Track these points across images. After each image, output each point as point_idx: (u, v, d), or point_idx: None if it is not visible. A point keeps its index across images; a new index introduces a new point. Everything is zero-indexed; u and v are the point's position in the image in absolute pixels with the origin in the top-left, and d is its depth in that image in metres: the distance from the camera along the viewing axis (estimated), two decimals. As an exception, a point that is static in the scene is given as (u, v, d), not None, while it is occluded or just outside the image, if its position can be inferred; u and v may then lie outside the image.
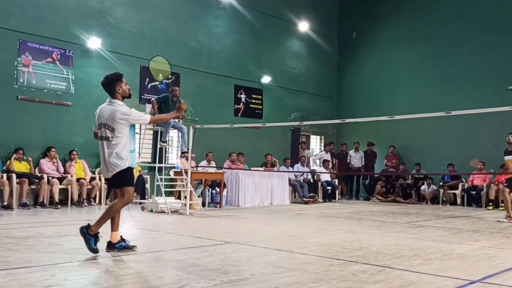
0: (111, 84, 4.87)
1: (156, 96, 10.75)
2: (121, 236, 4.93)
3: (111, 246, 4.85)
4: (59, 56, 10.92)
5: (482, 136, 14.05)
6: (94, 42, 11.39)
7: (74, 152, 10.72)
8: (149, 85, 12.49)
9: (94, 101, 11.81)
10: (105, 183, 10.32)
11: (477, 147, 13.98)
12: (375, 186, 14.82)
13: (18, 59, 10.35)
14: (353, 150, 15.45)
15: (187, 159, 10.01)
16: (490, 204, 12.28)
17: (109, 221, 4.83)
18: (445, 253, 5.24)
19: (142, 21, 12.49)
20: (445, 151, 14.68)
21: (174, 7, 13.16)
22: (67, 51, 11.06)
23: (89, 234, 4.61)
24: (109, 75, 4.95)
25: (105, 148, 4.79)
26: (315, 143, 17.45)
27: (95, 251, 4.60)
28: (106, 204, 10.78)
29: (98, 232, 4.69)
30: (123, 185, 4.81)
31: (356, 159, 15.36)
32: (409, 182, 14.45)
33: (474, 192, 13.04)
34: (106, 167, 4.85)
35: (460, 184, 13.46)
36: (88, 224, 4.68)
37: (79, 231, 4.67)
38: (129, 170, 4.88)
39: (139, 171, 11.15)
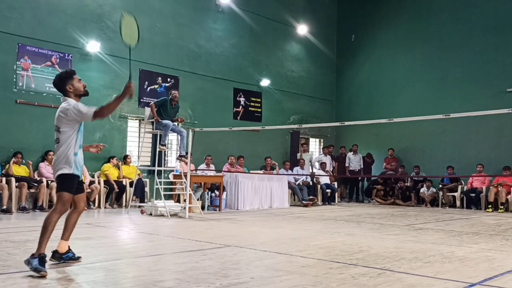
0: (61, 84, 4.44)
1: (155, 100, 10.76)
2: (68, 246, 4.48)
3: (56, 256, 4.40)
4: (58, 60, 10.93)
5: (481, 138, 14.08)
6: (93, 46, 11.40)
7: (73, 156, 10.69)
8: (148, 88, 12.50)
9: (93, 105, 11.82)
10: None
11: (476, 150, 14.01)
12: (373, 189, 14.84)
13: (17, 62, 10.36)
14: (352, 153, 15.44)
15: (186, 162, 10.01)
16: (490, 206, 12.27)
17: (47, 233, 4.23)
18: (445, 255, 5.24)
19: (141, 25, 12.35)
20: (444, 153, 14.70)
21: (173, 11, 13.18)
22: (66, 54, 11.07)
23: (32, 256, 4.04)
24: (58, 74, 4.55)
25: (55, 150, 4.36)
26: (314, 146, 17.45)
27: (37, 270, 3.93)
28: (105, 207, 10.78)
29: (42, 253, 4.06)
30: (61, 189, 4.27)
31: (355, 161, 15.34)
32: (408, 184, 14.45)
33: (473, 195, 13.03)
34: (53, 170, 4.39)
35: (460, 187, 13.45)
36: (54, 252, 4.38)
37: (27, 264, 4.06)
38: (72, 176, 4.30)
39: (138, 174, 11.15)
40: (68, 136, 4.30)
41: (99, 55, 11.57)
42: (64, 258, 4.42)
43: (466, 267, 4.61)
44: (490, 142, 13.97)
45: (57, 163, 4.32)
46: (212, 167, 12.13)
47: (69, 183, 4.30)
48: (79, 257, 4.49)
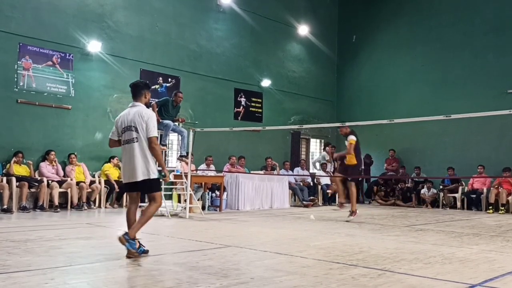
0: (142, 88, 4.99)
1: (156, 100, 10.76)
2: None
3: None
4: (59, 60, 10.93)
5: (482, 139, 14.06)
6: (94, 46, 11.40)
7: (73, 156, 10.72)
8: (149, 88, 12.48)
9: (94, 105, 11.90)
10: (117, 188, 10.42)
11: (477, 151, 13.99)
12: (373, 189, 14.83)
13: (18, 62, 10.36)
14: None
15: (186, 162, 10.01)
16: (490, 207, 12.26)
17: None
18: (446, 256, 5.23)
19: (142, 25, 12.51)
20: (445, 154, 14.68)
21: (174, 11, 13.18)
22: (67, 54, 11.07)
23: (130, 238, 4.68)
24: (142, 80, 5.17)
25: (128, 151, 4.83)
26: (315, 146, 17.44)
27: (142, 253, 4.75)
28: (106, 207, 10.79)
29: (136, 238, 4.76)
30: (156, 190, 4.96)
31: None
32: (409, 185, 14.44)
33: (474, 196, 13.02)
34: (133, 170, 4.79)
35: (460, 188, 13.44)
36: (125, 232, 4.76)
37: (119, 240, 4.70)
38: (158, 179, 4.98)
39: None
40: (144, 139, 4.79)
41: (100, 55, 11.57)
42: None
43: (467, 268, 4.61)
44: (491, 143, 13.95)
45: (144, 164, 4.77)
46: (213, 167, 12.13)
47: (160, 184, 5.09)
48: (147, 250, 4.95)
